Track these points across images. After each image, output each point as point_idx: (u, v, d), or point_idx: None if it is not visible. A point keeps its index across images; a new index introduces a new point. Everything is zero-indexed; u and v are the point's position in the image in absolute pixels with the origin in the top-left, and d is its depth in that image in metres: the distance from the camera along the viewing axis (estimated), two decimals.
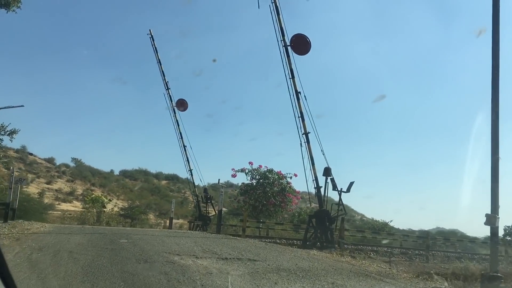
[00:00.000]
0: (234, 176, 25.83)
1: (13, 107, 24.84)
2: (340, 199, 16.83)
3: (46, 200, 63.44)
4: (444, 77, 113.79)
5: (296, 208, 27.71)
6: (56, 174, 76.46)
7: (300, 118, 16.96)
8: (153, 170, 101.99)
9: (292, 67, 17.10)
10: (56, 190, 70.61)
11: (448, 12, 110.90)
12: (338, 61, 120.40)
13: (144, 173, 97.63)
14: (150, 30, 26.04)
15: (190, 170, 26.42)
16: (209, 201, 26.41)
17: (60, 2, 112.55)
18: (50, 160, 79.33)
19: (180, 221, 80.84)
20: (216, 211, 27.28)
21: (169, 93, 26.19)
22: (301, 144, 16.91)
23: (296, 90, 16.97)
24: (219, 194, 18.78)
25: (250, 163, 25.92)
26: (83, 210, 46.04)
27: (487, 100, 9.30)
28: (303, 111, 16.99)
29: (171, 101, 26.22)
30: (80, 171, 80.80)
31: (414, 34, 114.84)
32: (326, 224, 16.50)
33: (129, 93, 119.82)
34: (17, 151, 74.37)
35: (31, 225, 17.46)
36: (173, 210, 24.34)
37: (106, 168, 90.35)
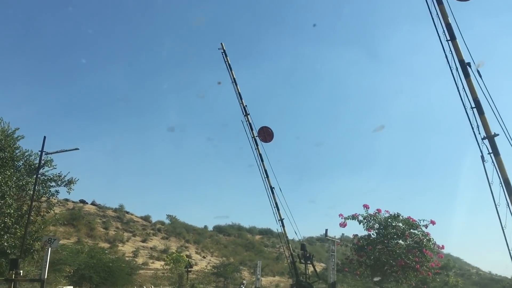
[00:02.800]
0: (343, 225, 17.59)
1: (67, 150, 19.62)
2: None
3: (140, 259, 58.79)
4: None
5: (434, 271, 17.99)
6: (151, 231, 72.69)
7: (474, 109, 8.66)
8: (246, 224, 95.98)
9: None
10: (150, 248, 66.21)
11: None
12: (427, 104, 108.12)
13: (238, 228, 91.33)
14: (221, 43, 19.75)
15: (281, 220, 18.64)
16: (309, 261, 18.11)
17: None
18: (146, 218, 76.21)
19: (276, 278, 71.87)
20: (317, 272, 18.86)
21: (248, 119, 19.25)
22: (482, 158, 8.46)
23: (461, 60, 8.79)
24: (329, 254, 10.43)
25: (366, 206, 17.55)
26: (167, 270, 40.02)
27: None
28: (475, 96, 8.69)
29: (252, 129, 19.16)
30: (174, 228, 76.48)
31: None
32: None
33: (218, 148, 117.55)
34: (115, 210, 72.35)
35: None
36: (259, 276, 16.18)
37: (200, 224, 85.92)
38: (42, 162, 19.49)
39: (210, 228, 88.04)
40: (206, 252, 74.81)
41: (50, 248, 13.61)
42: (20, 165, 19.37)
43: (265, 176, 18.93)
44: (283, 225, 18.67)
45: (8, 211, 17.50)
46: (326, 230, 12.13)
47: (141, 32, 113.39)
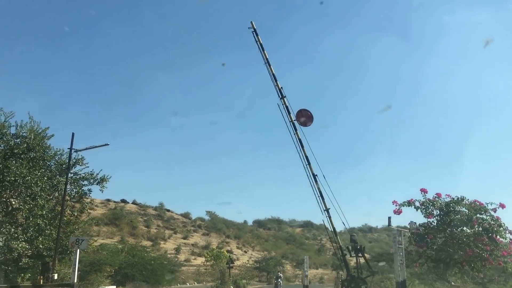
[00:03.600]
0: (398, 212, 15.57)
1: (97, 146, 18.67)
2: None
3: (182, 256, 58.47)
4: None
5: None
6: (192, 228, 72.55)
7: None
8: (285, 218, 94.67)
9: None
10: (192, 244, 65.98)
11: None
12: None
13: (277, 221, 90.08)
14: (251, 22, 18.09)
15: (326, 210, 16.78)
16: (360, 254, 16.22)
17: None
18: (186, 215, 76.15)
19: (320, 271, 69.98)
20: (370, 265, 16.95)
21: (284, 102, 17.53)
22: None
23: None
24: (394, 247, 8.48)
25: (423, 190, 15.46)
26: (209, 266, 38.95)
27: None
28: None
29: (289, 113, 17.44)
30: (214, 224, 76.07)
31: None
32: None
33: (253, 141, 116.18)
34: (155, 208, 72.62)
35: None
36: (307, 273, 14.36)
37: (239, 219, 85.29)
38: (74, 160, 18.63)
39: (250, 222, 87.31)
40: (247, 246, 73.96)
41: (78, 250, 12.46)
42: (52, 165, 18.55)
43: (307, 163, 17.15)
44: (329, 216, 16.83)
45: (41, 212, 16.67)
46: (389, 218, 10.19)
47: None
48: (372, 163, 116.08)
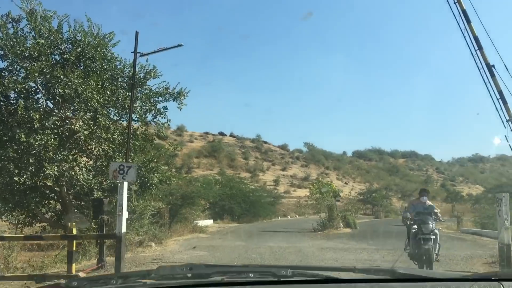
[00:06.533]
0: None
1: (169, 48, 13.76)
2: None
3: (281, 188, 55.21)
4: None
5: None
6: (290, 160, 68.67)
7: None
8: (387, 148, 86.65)
9: None
10: (291, 176, 62.35)
11: None
12: None
13: (378, 152, 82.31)
14: None
15: (510, 120, 10.15)
16: None
17: None
18: (284, 147, 72.20)
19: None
20: None
21: None
22: None
23: None
24: None
25: None
26: (310, 199, 34.21)
27: None
28: None
29: None
30: (313, 156, 71.27)
31: None
32: None
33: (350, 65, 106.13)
34: (252, 140, 69.68)
35: None
36: (508, 223, 8.06)
37: (338, 150, 79.29)
38: (143, 71, 14.05)
39: (349, 153, 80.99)
40: (347, 178, 68.62)
41: (126, 183, 7.81)
42: (118, 77, 14.13)
43: (477, 48, 10.38)
44: None
45: (105, 135, 12.53)
46: None
47: None
48: None
